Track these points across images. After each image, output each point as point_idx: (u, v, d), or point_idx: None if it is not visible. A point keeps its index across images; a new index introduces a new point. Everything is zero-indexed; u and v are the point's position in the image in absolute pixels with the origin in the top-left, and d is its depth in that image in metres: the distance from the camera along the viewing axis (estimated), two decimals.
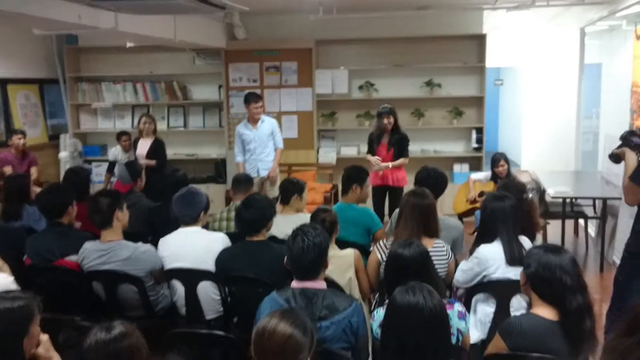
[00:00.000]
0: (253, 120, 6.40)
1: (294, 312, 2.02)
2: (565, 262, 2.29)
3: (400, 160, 5.98)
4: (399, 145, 5.98)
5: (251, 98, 6.34)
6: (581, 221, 6.88)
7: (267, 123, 6.45)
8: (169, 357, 2.64)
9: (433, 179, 4.02)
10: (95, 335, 1.94)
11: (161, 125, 8.33)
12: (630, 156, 3.55)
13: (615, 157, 3.71)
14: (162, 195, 4.53)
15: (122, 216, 3.57)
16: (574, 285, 2.26)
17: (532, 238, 3.51)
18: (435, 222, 3.36)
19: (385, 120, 5.94)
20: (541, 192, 6.25)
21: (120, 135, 7.22)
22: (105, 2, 3.24)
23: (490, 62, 8.13)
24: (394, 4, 6.94)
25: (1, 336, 2.10)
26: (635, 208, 3.56)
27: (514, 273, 2.99)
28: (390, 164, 5.90)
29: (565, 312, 2.25)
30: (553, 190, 5.83)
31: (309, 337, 1.93)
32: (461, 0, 7.12)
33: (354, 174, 4.27)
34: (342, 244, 3.54)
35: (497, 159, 5.92)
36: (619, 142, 3.73)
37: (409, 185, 4.78)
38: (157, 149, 6.63)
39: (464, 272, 3.28)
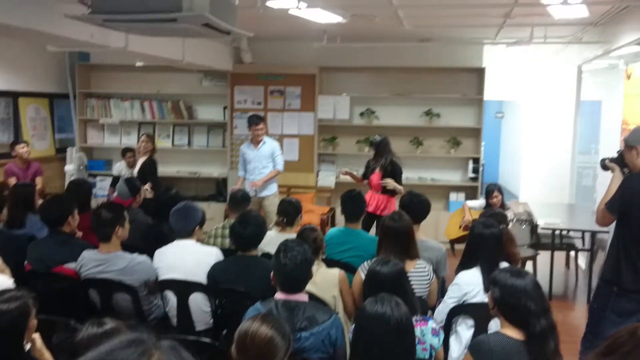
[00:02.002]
0: (255, 141, 6.61)
1: (273, 316, 2.17)
2: (529, 287, 2.43)
3: (393, 186, 6.07)
4: (389, 172, 6.14)
5: (252, 120, 6.56)
6: (572, 253, 6.99)
7: (268, 145, 6.64)
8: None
9: (416, 204, 4.16)
10: (87, 330, 2.07)
11: (166, 143, 8.56)
12: (616, 177, 3.58)
13: (605, 167, 3.76)
14: (157, 214, 4.66)
15: (122, 232, 3.70)
16: (537, 309, 2.39)
17: None
18: (414, 244, 3.50)
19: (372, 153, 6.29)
20: (533, 224, 6.37)
21: (125, 151, 7.41)
22: (115, 24, 3.43)
23: (491, 94, 8.31)
24: (397, 35, 7.15)
25: (4, 333, 2.24)
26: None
27: None
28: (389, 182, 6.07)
29: (529, 334, 2.39)
30: (543, 222, 5.94)
31: (287, 340, 2.08)
32: (462, 34, 7.35)
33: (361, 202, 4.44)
34: (340, 266, 3.69)
35: (491, 190, 6.02)
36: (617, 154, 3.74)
37: None
38: (145, 170, 6.81)
39: (447, 305, 3.36)
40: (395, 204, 6.16)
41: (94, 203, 5.32)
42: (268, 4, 4.64)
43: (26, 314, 2.31)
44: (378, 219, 6.04)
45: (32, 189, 4.86)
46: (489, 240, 3.35)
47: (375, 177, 6.18)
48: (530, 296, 2.40)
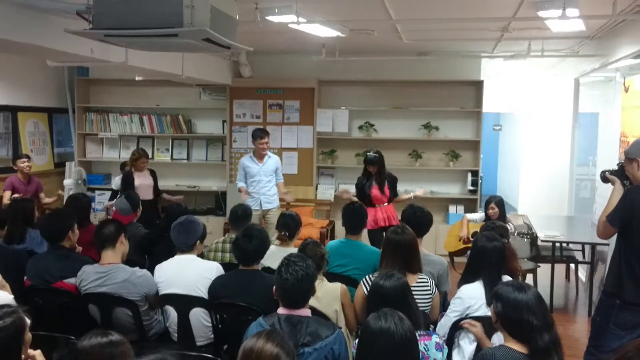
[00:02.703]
0: (259, 155, 6.61)
1: (279, 333, 2.14)
2: (532, 302, 2.41)
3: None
4: (391, 184, 6.26)
5: (257, 134, 6.56)
6: (572, 266, 6.98)
7: (273, 159, 6.70)
8: None
9: (419, 217, 4.16)
10: (91, 339, 2.05)
11: (165, 157, 8.58)
12: (617, 189, 3.57)
13: (605, 179, 3.74)
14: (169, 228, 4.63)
15: (125, 242, 3.73)
16: (540, 324, 2.38)
17: None
18: (417, 258, 3.49)
19: (370, 169, 6.21)
20: (534, 237, 6.35)
21: (124, 165, 7.39)
22: (116, 39, 3.44)
23: (489, 107, 8.33)
24: (395, 49, 7.19)
25: (1, 351, 2.22)
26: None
27: None
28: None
29: (533, 350, 2.37)
30: (543, 234, 5.94)
31: (292, 357, 2.05)
32: (460, 48, 7.39)
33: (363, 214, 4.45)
34: (341, 279, 3.68)
35: (489, 201, 6.04)
36: (617, 166, 3.73)
37: None
38: (157, 180, 6.96)
39: (450, 318, 3.35)
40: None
41: (93, 217, 5.29)
42: (268, 18, 4.66)
43: (21, 328, 2.29)
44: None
45: (31, 204, 4.84)
46: (491, 254, 3.33)
47: (376, 191, 6.17)
48: (533, 311, 2.39)
